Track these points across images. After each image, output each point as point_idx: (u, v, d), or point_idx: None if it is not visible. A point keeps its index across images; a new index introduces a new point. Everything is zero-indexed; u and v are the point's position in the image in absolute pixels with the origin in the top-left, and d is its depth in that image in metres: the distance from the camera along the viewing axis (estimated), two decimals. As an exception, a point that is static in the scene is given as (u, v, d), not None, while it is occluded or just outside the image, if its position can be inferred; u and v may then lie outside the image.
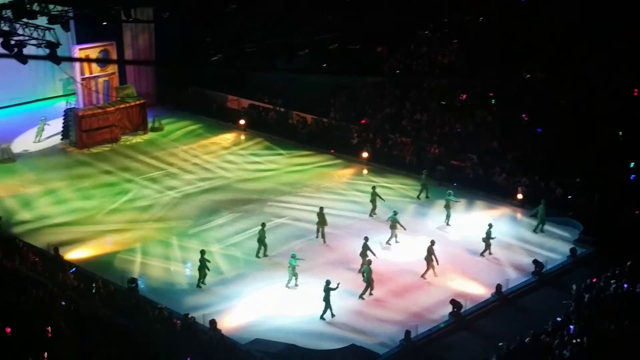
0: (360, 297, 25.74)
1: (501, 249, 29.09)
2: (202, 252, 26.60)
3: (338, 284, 24.62)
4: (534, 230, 30.60)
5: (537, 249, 29.06)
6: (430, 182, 33.79)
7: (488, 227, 28.66)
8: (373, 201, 31.62)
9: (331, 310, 24.76)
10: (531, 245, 29.51)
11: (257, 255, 28.36)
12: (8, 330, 20.59)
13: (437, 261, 27.03)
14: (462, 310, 24.68)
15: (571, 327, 21.52)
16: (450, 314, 24.63)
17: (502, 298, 25.81)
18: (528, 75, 36.73)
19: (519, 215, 32.15)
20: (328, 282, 24.65)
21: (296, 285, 26.42)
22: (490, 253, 28.69)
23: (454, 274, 27.40)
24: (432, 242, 27.16)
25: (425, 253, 27.04)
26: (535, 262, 27.30)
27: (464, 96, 39.17)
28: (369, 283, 25.73)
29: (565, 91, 36.44)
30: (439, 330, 24.13)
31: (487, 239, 28.55)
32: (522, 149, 35.06)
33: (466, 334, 24.16)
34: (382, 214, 31.39)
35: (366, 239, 27.25)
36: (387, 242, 29.39)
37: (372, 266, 25.88)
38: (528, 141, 35.30)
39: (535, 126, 36.12)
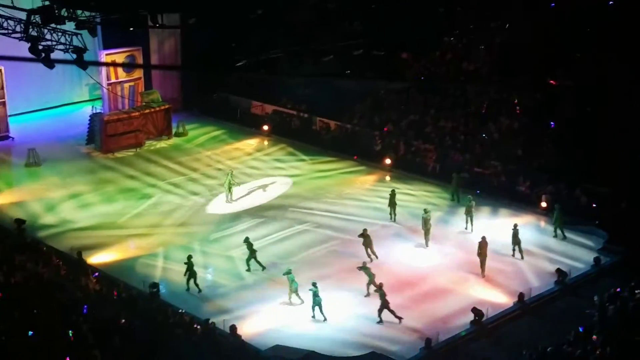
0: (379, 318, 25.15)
1: (524, 257, 28.84)
2: (189, 257, 26.70)
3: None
4: (554, 236, 30.40)
5: (561, 258, 28.76)
6: (460, 183, 33.64)
7: (514, 228, 28.60)
8: (392, 205, 31.49)
9: (321, 311, 24.70)
10: (555, 253, 29.22)
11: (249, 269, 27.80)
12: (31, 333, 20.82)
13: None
14: (484, 318, 24.48)
15: (594, 337, 21.25)
16: (471, 322, 24.44)
17: (524, 307, 25.56)
18: (568, 82, 36.52)
19: (542, 224, 31.85)
20: (314, 284, 24.78)
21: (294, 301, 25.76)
22: (521, 254, 28.58)
23: (475, 282, 27.19)
24: (484, 238, 27.37)
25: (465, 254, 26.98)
26: (558, 270, 27.03)
27: (485, 105, 38.91)
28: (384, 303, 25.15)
29: (592, 99, 36.06)
30: (460, 338, 23.95)
31: (515, 239, 28.46)
32: (547, 157, 34.75)
33: (487, 342, 23.95)
34: (402, 220, 31.42)
35: (364, 263, 26.67)
36: (465, 228, 30.49)
37: (395, 271, 25.73)
38: (553, 149, 34.97)
39: (561, 134, 35.79)
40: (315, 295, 24.78)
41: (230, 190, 33.21)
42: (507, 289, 26.60)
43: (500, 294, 26.37)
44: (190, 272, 26.63)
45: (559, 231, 30.48)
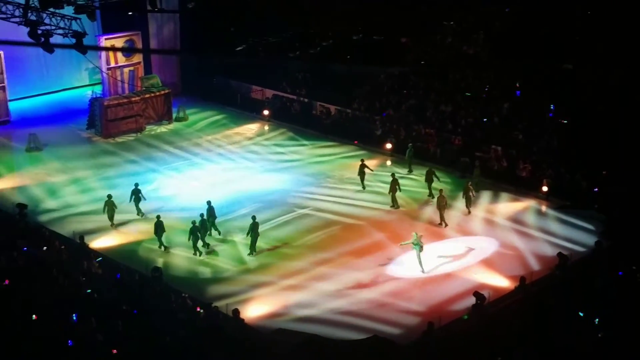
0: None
1: (526, 241, 28.94)
2: (193, 223, 27.70)
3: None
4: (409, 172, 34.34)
5: (562, 242, 28.83)
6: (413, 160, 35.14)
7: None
8: (392, 190, 31.59)
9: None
10: (556, 238, 29.29)
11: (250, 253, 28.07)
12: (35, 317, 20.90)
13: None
14: (486, 302, 24.56)
15: (595, 320, 21.36)
16: (473, 306, 24.52)
17: (525, 291, 25.62)
18: (570, 66, 36.52)
19: (543, 208, 31.91)
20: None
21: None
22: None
23: (477, 266, 27.29)
24: (441, 191, 29.95)
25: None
26: (559, 254, 27.09)
27: (487, 87, 38.89)
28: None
29: (592, 82, 36.05)
30: (463, 322, 24.04)
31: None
32: (547, 141, 34.76)
33: (489, 326, 24.01)
34: (403, 204, 31.56)
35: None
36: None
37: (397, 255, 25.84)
38: (554, 133, 34.98)
39: (561, 118, 35.79)
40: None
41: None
42: (509, 273, 26.67)
43: (502, 278, 26.45)
44: (194, 235, 27.37)
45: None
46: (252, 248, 27.95)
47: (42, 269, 24.25)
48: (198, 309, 23.43)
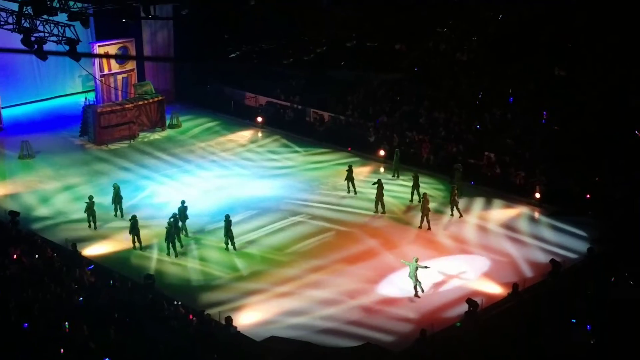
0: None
1: (518, 248, 28.97)
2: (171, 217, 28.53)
3: None
4: (393, 176, 34.69)
5: (555, 249, 28.85)
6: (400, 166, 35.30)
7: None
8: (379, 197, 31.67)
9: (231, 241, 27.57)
10: (549, 244, 29.32)
11: (227, 248, 28.74)
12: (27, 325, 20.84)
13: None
14: (478, 309, 24.55)
15: (588, 327, 21.38)
16: (466, 313, 24.51)
17: (518, 297, 25.63)
18: (561, 73, 36.66)
19: (536, 214, 31.96)
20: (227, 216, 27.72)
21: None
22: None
23: (469, 273, 27.30)
24: (425, 195, 30.46)
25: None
26: (552, 261, 27.11)
27: (480, 94, 38.99)
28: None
29: (585, 89, 36.15)
30: (456, 329, 24.03)
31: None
32: (540, 147, 34.82)
33: (482, 333, 24.01)
34: (396, 211, 31.54)
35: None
36: (450, 215, 31.34)
37: (389, 261, 25.83)
38: (547, 139, 35.05)
39: (554, 124, 35.87)
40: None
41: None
42: (502, 279, 26.69)
43: (495, 285, 26.46)
44: (170, 236, 28.04)
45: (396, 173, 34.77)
46: (232, 243, 28.63)
47: (34, 277, 24.15)
48: (190, 317, 23.37)
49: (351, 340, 23.44)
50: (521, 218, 31.53)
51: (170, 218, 28.62)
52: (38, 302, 22.19)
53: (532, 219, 31.58)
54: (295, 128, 41.31)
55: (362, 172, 36.06)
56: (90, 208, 30.15)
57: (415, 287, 25.82)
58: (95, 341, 20.45)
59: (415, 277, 25.67)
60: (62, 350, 20.11)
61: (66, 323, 21.16)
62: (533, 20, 40.00)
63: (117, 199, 31.25)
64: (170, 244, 28.29)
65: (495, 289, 26.23)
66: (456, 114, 38.35)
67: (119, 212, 31.24)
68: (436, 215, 31.45)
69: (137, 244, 28.88)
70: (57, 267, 25.52)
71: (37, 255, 26.15)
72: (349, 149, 38.57)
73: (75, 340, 20.47)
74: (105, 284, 25.00)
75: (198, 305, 24.75)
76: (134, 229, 28.73)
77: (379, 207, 31.62)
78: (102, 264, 27.33)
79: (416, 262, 25.71)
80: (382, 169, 36.61)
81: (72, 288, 23.92)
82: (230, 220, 28.73)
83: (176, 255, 28.25)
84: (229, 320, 23.22)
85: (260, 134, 41.59)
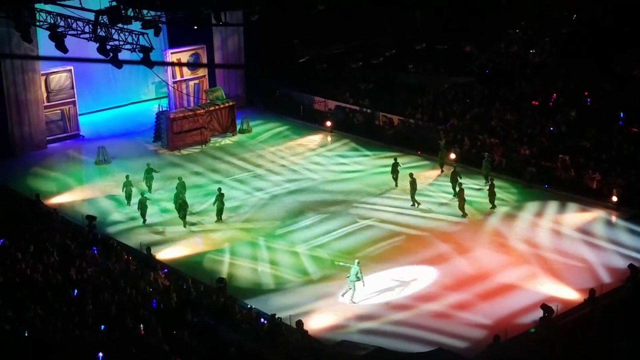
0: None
1: (595, 252, 28.24)
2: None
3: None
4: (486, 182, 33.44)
5: (633, 253, 28.03)
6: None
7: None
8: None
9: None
10: (627, 249, 28.49)
11: (220, 219, 31.28)
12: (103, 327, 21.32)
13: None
14: (554, 315, 24.02)
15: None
16: (541, 319, 24.01)
17: (595, 303, 24.98)
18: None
19: (613, 218, 31.09)
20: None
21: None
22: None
23: (544, 278, 26.73)
24: (411, 174, 32.43)
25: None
26: (630, 266, 26.34)
27: (555, 95, 38.20)
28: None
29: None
30: (530, 335, 23.56)
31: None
32: (617, 149, 33.89)
33: (557, 339, 23.48)
34: (470, 215, 31.22)
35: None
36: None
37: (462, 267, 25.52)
38: (623, 141, 34.10)
39: (631, 126, 34.87)
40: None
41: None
42: (578, 285, 26.04)
43: (571, 291, 25.83)
44: (183, 210, 31.06)
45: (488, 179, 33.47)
46: (219, 215, 31.24)
47: (111, 280, 24.72)
48: (262, 320, 23.52)
49: (423, 346, 23.22)
50: (597, 222, 30.72)
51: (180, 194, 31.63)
52: (114, 304, 22.66)
53: (609, 223, 30.75)
54: (364, 132, 41.22)
55: (431, 176, 35.73)
56: (142, 203, 31.49)
57: (348, 292, 25.30)
58: (168, 343, 20.76)
59: (355, 282, 25.02)
60: (135, 351, 20.46)
61: (141, 325, 21.56)
62: (608, 19, 39.02)
63: (149, 177, 34.36)
64: (185, 216, 31.10)
65: (571, 295, 25.61)
66: (529, 115, 37.64)
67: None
68: (509, 220, 30.92)
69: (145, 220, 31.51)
70: (132, 271, 26.05)
71: (113, 259, 26.74)
72: (419, 152, 38.26)
73: (150, 342, 20.83)
74: (179, 287, 25.37)
75: (269, 308, 24.88)
76: (143, 205, 31.21)
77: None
78: (176, 267, 27.76)
79: (358, 265, 25.25)
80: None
81: (147, 291, 24.37)
82: (223, 194, 31.36)
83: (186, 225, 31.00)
84: (299, 324, 23.28)
85: (329, 138, 41.66)
